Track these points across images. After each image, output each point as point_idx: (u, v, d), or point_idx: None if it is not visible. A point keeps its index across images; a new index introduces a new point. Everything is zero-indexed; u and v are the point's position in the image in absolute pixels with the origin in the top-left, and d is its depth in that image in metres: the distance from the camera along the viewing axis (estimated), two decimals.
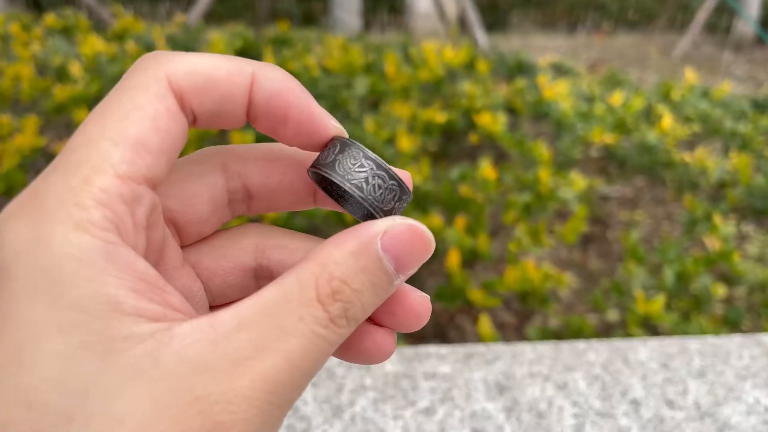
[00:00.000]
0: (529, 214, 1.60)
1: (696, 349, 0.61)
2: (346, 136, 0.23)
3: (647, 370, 0.58)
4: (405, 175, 0.24)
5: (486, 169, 1.62)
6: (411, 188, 0.24)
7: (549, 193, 1.62)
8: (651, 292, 1.41)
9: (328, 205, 0.25)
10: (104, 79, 1.95)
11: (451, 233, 1.44)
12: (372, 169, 0.22)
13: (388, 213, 0.22)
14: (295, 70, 2.10)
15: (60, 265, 0.17)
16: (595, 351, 0.60)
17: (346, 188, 0.22)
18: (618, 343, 0.62)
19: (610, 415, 0.53)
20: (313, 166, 0.22)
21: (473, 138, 1.96)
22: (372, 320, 0.24)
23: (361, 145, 0.22)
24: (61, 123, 2.01)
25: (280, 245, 0.24)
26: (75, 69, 1.93)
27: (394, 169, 0.23)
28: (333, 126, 0.23)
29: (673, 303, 1.38)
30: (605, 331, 1.41)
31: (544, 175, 1.65)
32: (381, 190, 0.22)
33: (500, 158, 1.99)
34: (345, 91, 1.98)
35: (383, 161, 0.22)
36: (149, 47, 2.23)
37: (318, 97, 1.97)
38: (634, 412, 0.53)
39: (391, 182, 0.22)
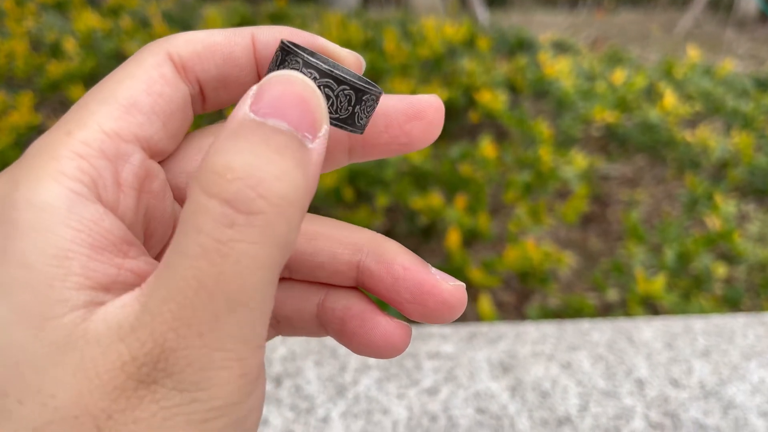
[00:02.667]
0: (530, 193, 1.59)
1: (700, 328, 0.61)
2: (357, 62, 0.22)
3: (652, 349, 0.58)
4: (353, 63, 0.22)
5: (486, 147, 1.61)
6: (363, 71, 0.22)
7: (549, 172, 1.61)
8: (651, 272, 1.41)
9: None
10: (99, 56, 1.93)
11: (451, 212, 1.43)
12: (315, 78, 0.19)
13: (350, 121, 0.20)
14: None
15: (18, 216, 0.16)
16: (599, 330, 0.60)
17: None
18: (622, 323, 0.61)
19: (614, 395, 0.53)
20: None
21: (473, 116, 1.94)
22: (400, 310, 0.23)
23: (303, 50, 0.19)
24: (56, 100, 1.99)
25: (304, 232, 0.24)
26: (69, 45, 1.90)
27: (341, 67, 0.21)
28: (345, 55, 0.22)
29: (673, 282, 1.37)
30: (605, 311, 1.41)
31: (545, 154, 1.64)
32: (331, 100, 0.20)
33: (501, 136, 1.97)
34: None
35: (328, 64, 0.20)
36: (144, 23, 2.20)
37: None
38: (638, 392, 0.53)
39: (341, 87, 0.20)
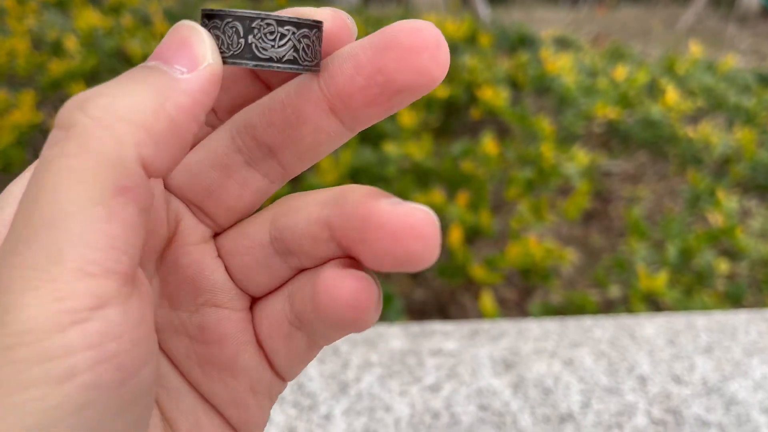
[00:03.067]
0: (531, 190, 1.59)
1: (703, 325, 0.61)
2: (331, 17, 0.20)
3: (654, 346, 0.58)
4: (302, 12, 0.21)
5: (488, 144, 1.61)
6: (347, 30, 0.20)
7: (551, 169, 1.61)
8: (653, 268, 1.41)
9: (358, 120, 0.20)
10: (100, 54, 1.93)
11: (453, 209, 1.43)
12: (293, 32, 0.19)
13: (318, 61, 0.19)
14: None
15: None
16: (601, 327, 0.60)
17: (283, 69, 0.19)
18: (624, 320, 0.61)
19: (616, 391, 0.53)
20: (224, 59, 0.19)
21: (475, 113, 1.94)
22: (362, 262, 0.19)
23: (261, 12, 0.19)
24: (58, 98, 1.99)
25: (290, 208, 0.21)
26: (71, 43, 1.90)
27: (292, 12, 0.20)
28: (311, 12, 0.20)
29: (675, 278, 1.37)
30: (607, 307, 1.41)
31: (547, 151, 1.63)
32: (311, 47, 0.19)
33: (502, 133, 1.97)
34: None
35: (278, 14, 0.19)
36: (145, 20, 2.20)
37: None
38: (640, 388, 0.53)
39: (313, 32, 0.19)
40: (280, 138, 0.21)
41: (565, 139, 1.88)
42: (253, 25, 0.18)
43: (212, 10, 0.19)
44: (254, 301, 0.22)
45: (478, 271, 1.33)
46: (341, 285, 0.18)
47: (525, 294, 1.49)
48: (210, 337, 0.22)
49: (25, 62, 1.81)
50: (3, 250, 0.16)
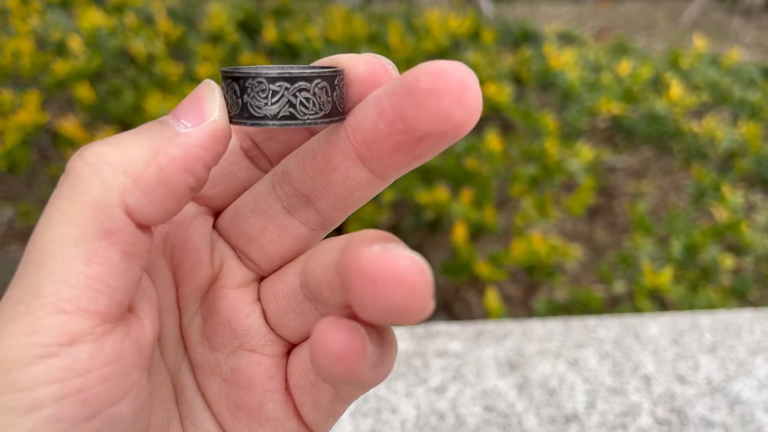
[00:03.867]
0: (536, 186, 1.59)
1: (707, 324, 0.61)
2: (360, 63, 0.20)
3: (658, 346, 0.58)
4: (338, 59, 0.20)
5: (492, 141, 1.61)
6: (381, 71, 0.20)
7: (555, 165, 1.61)
8: (658, 264, 1.41)
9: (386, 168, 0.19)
10: (105, 53, 1.93)
11: (457, 206, 1.43)
12: (286, 88, 0.18)
13: (333, 111, 0.19)
14: (297, 42, 2.07)
15: None
16: (605, 327, 0.60)
17: (280, 126, 0.19)
18: (628, 319, 0.61)
19: (621, 391, 0.53)
20: (231, 120, 0.19)
21: None
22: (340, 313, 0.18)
23: (252, 70, 0.19)
24: (62, 98, 2.00)
25: (316, 252, 0.20)
26: (75, 43, 1.91)
27: (326, 62, 0.20)
28: (348, 60, 0.20)
29: (680, 274, 1.37)
30: (612, 303, 1.41)
31: (551, 147, 1.63)
32: (311, 100, 0.19)
33: (506, 129, 1.97)
34: None
35: (290, 68, 0.19)
36: (149, 19, 2.20)
37: None
38: (645, 388, 0.53)
39: (315, 83, 0.19)
40: (313, 186, 0.21)
41: (569, 135, 1.88)
42: (246, 84, 0.18)
43: (224, 69, 0.19)
44: (292, 347, 0.23)
45: (482, 268, 1.33)
46: (329, 336, 0.17)
47: (530, 291, 1.49)
48: (240, 381, 0.22)
49: (30, 62, 1.82)
50: (17, 271, 0.17)
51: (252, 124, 0.19)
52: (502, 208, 1.69)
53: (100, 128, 1.69)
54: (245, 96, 0.19)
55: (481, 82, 1.94)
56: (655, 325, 0.61)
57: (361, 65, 0.20)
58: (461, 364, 0.55)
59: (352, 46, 2.04)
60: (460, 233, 1.36)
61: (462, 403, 0.51)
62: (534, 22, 2.72)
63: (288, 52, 2.11)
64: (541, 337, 0.59)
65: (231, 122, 0.19)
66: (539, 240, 1.36)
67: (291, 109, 0.18)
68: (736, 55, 2.38)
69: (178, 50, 2.06)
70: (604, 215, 1.75)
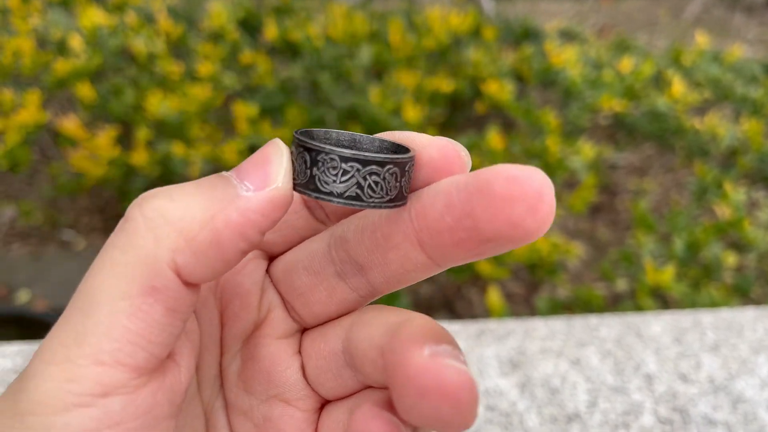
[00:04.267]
0: None
1: (709, 322, 0.61)
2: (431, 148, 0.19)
3: (660, 344, 0.58)
4: (410, 139, 0.20)
5: (493, 138, 1.60)
6: (458, 162, 0.19)
7: (557, 163, 1.61)
8: (660, 261, 1.40)
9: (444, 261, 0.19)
10: (105, 53, 1.93)
11: None
12: (358, 169, 0.18)
13: (399, 196, 0.19)
14: (297, 41, 2.06)
15: None
16: (607, 326, 0.60)
17: (344, 204, 0.18)
18: (630, 318, 0.61)
19: (623, 390, 0.53)
20: (294, 185, 0.19)
21: (480, 107, 1.93)
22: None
23: (327, 146, 0.18)
24: (63, 97, 2.00)
25: (363, 321, 0.20)
26: (75, 42, 1.91)
27: (398, 138, 0.20)
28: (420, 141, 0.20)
29: (683, 272, 1.37)
30: (614, 301, 1.40)
31: (552, 144, 1.63)
32: (380, 185, 0.18)
33: (507, 127, 1.97)
34: (349, 61, 1.95)
35: (367, 149, 0.19)
36: (149, 18, 2.20)
37: (322, 67, 1.94)
38: (647, 387, 0.53)
39: (386, 168, 0.18)
40: (369, 258, 0.20)
41: (571, 133, 1.87)
42: (318, 158, 0.18)
43: (298, 136, 0.19)
44: (326, 402, 0.23)
45: (484, 266, 1.33)
46: (368, 427, 0.18)
47: (532, 289, 1.49)
48: (270, 430, 0.22)
49: (30, 62, 1.82)
50: (65, 310, 0.18)
51: (316, 197, 0.19)
52: None
53: (101, 127, 1.69)
54: (315, 168, 0.18)
55: (483, 80, 1.93)
56: (657, 324, 0.60)
57: (434, 150, 0.19)
58: None
59: (353, 44, 2.04)
60: None
61: None
62: (535, 19, 2.71)
63: (289, 50, 2.11)
64: (542, 335, 0.59)
65: (294, 189, 0.19)
66: (541, 238, 1.35)
67: (358, 191, 0.18)
68: (738, 51, 2.38)
69: (178, 49, 2.06)
70: (606, 213, 1.75)
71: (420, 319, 0.18)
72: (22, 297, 1.45)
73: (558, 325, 0.60)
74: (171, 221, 0.17)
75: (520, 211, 0.16)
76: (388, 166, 0.18)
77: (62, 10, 2.24)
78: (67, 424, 0.16)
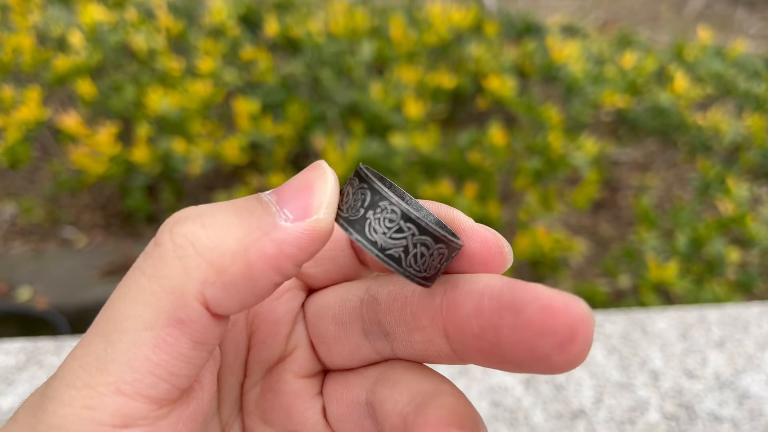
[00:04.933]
0: (540, 180, 1.58)
1: (715, 318, 0.61)
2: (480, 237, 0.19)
3: (666, 340, 0.57)
4: (455, 219, 0.19)
5: (495, 134, 1.60)
6: (504, 259, 0.18)
7: (559, 159, 1.60)
8: (663, 257, 1.40)
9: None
10: (105, 49, 1.92)
11: (461, 201, 1.43)
12: (414, 234, 0.17)
13: (432, 277, 0.18)
14: (298, 36, 2.06)
15: None
16: (612, 322, 0.59)
17: (380, 259, 0.17)
18: (636, 314, 0.61)
19: (628, 387, 0.53)
20: (338, 216, 0.18)
21: (482, 103, 1.93)
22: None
23: (395, 196, 0.17)
24: (64, 94, 1.99)
25: (390, 379, 0.20)
26: (75, 39, 1.90)
27: (443, 214, 0.19)
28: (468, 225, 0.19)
29: (686, 268, 1.37)
30: (617, 298, 1.40)
31: (555, 140, 1.62)
32: (424, 258, 0.17)
33: (509, 123, 1.96)
34: (350, 57, 1.94)
35: (426, 218, 0.18)
36: (149, 14, 2.19)
37: (323, 63, 1.93)
38: (652, 383, 0.53)
39: (438, 246, 0.17)
40: (395, 330, 0.20)
41: (573, 128, 1.87)
42: (380, 203, 0.17)
43: (361, 168, 0.18)
44: None
45: None
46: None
47: None
48: None
49: (31, 58, 1.82)
50: (88, 331, 0.17)
51: (356, 239, 0.17)
52: (506, 202, 1.68)
53: (101, 124, 1.69)
54: (371, 212, 0.17)
55: (484, 76, 1.93)
56: (663, 320, 0.60)
57: (476, 241, 0.19)
58: None
59: (353, 40, 2.03)
60: None
61: (469, 399, 0.51)
62: (537, 14, 2.70)
63: (290, 46, 2.11)
64: None
65: (337, 220, 0.18)
66: (543, 234, 1.35)
67: (402, 254, 0.17)
68: (741, 46, 2.37)
69: (179, 45, 2.05)
70: (609, 209, 1.74)
71: (448, 397, 0.18)
72: (23, 294, 1.45)
73: None
74: (201, 251, 0.16)
75: (548, 345, 0.15)
76: (440, 245, 0.18)
77: (62, 6, 2.23)
78: None
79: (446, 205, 0.20)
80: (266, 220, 0.17)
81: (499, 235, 0.19)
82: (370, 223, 0.17)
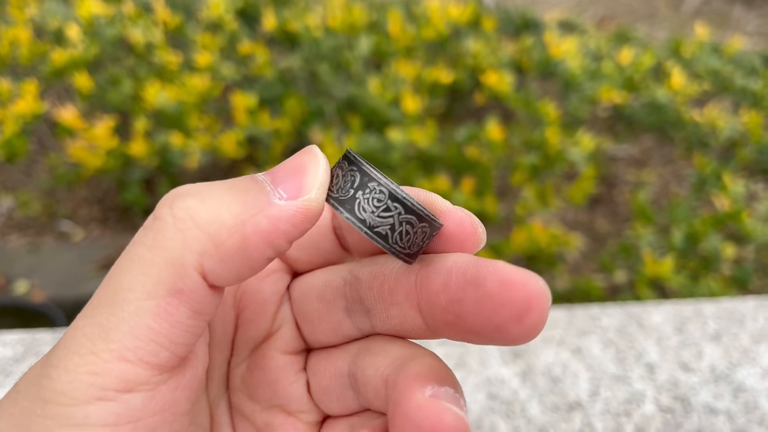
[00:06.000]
0: (537, 175, 1.59)
1: (710, 312, 0.61)
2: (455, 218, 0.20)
3: (662, 334, 0.58)
4: (434, 202, 0.20)
5: (493, 129, 1.60)
6: (477, 238, 0.20)
7: (557, 154, 1.60)
8: (659, 253, 1.40)
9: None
10: (103, 42, 1.92)
11: (458, 196, 1.43)
12: (400, 213, 0.18)
13: (414, 255, 0.19)
14: (296, 31, 2.05)
15: None
16: (608, 315, 0.60)
17: (368, 236, 0.18)
18: (632, 308, 0.61)
19: (624, 379, 0.53)
20: (329, 196, 0.19)
21: (479, 98, 1.93)
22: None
23: (383, 177, 0.18)
24: (61, 87, 1.99)
25: (371, 349, 0.21)
26: (72, 32, 1.89)
27: (423, 198, 0.20)
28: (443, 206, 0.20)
29: (681, 263, 1.37)
30: (613, 293, 1.41)
31: (552, 136, 1.62)
32: (409, 236, 0.19)
33: (507, 118, 1.96)
34: (348, 52, 1.94)
35: (412, 198, 0.19)
36: (146, 7, 2.19)
37: (321, 58, 1.93)
38: (648, 376, 0.53)
39: (421, 225, 0.19)
40: (374, 307, 0.21)
41: (571, 124, 1.87)
42: (369, 184, 0.18)
43: (350, 152, 0.19)
44: (327, 418, 0.23)
45: (483, 257, 1.33)
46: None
47: None
48: None
49: (28, 51, 1.81)
50: (89, 302, 0.18)
51: (347, 218, 0.18)
52: (503, 197, 1.69)
53: (98, 117, 1.69)
54: (360, 192, 0.18)
55: (482, 71, 1.93)
56: (659, 314, 0.60)
57: (451, 221, 0.20)
58: (464, 352, 0.55)
59: (351, 34, 2.02)
60: None
61: (465, 391, 0.51)
62: (535, 10, 2.70)
63: (287, 40, 2.10)
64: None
65: (328, 200, 0.19)
66: (540, 229, 1.35)
67: (389, 231, 0.18)
68: (738, 43, 2.37)
69: (176, 39, 2.04)
70: (605, 204, 1.75)
71: (427, 358, 0.19)
72: (20, 288, 1.45)
73: (559, 314, 0.60)
74: (200, 224, 0.17)
75: (506, 316, 0.16)
76: (423, 223, 0.19)
77: None
78: (86, 417, 0.16)
79: (425, 190, 0.21)
80: (262, 198, 0.18)
81: (474, 217, 0.20)
82: (359, 202, 0.18)
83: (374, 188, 0.18)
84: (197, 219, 0.17)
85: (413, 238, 0.19)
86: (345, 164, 0.19)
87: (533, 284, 0.16)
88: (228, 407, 0.23)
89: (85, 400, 0.16)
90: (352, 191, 0.18)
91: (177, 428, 0.19)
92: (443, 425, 0.16)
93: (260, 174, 0.19)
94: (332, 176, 0.19)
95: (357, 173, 0.18)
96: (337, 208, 0.19)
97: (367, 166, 0.19)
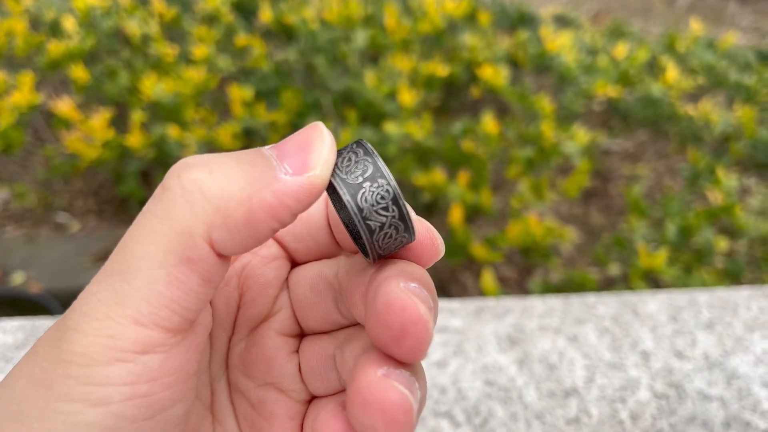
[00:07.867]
0: (532, 169, 1.60)
1: (705, 301, 0.62)
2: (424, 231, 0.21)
3: (656, 322, 0.59)
4: (420, 224, 0.21)
5: (488, 123, 1.61)
6: (436, 251, 0.21)
7: (551, 148, 1.61)
8: (653, 246, 1.42)
9: None
10: (99, 34, 1.91)
11: (454, 188, 1.43)
12: (393, 217, 0.19)
13: (382, 257, 0.20)
14: (293, 23, 2.05)
15: None
16: (604, 304, 0.61)
17: (358, 224, 0.19)
18: (627, 296, 0.62)
19: (620, 366, 0.54)
20: (335, 175, 0.20)
21: (475, 91, 1.93)
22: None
23: (392, 179, 0.19)
24: (57, 79, 1.98)
25: (355, 337, 0.23)
26: (69, 24, 1.88)
27: (412, 213, 0.21)
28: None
29: (675, 256, 1.38)
30: (607, 285, 1.42)
31: (547, 129, 1.63)
32: (389, 240, 0.20)
33: (502, 112, 1.97)
34: (344, 45, 1.94)
35: (409, 208, 0.20)
36: (143, 0, 2.18)
37: (317, 51, 1.93)
38: (643, 363, 0.54)
39: (403, 235, 0.20)
40: (346, 299, 0.23)
41: (566, 118, 1.88)
42: (379, 180, 0.19)
43: (366, 143, 0.20)
44: (314, 397, 0.25)
45: (478, 250, 1.34)
46: (327, 423, 0.21)
47: (525, 272, 1.50)
48: (264, 412, 0.24)
49: (24, 43, 1.80)
50: (102, 269, 0.19)
51: (346, 201, 0.19)
52: (498, 191, 1.70)
53: (95, 109, 1.68)
54: (367, 183, 0.19)
55: (478, 65, 1.93)
56: (654, 302, 0.61)
57: (421, 231, 0.21)
58: (462, 340, 0.56)
59: (348, 28, 2.02)
60: (456, 215, 1.37)
61: (463, 378, 0.52)
62: (530, 4, 2.71)
63: (284, 33, 2.10)
64: (541, 313, 0.60)
65: (333, 178, 0.19)
66: (535, 222, 1.36)
67: (377, 228, 0.19)
68: (732, 39, 2.38)
69: (172, 31, 2.04)
70: (600, 198, 1.76)
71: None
72: (17, 279, 1.45)
73: (555, 303, 0.61)
74: (208, 196, 0.18)
75: (387, 337, 0.18)
76: (405, 234, 0.20)
77: None
78: (107, 377, 0.17)
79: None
80: (268, 173, 0.18)
81: (433, 229, 0.21)
82: (363, 192, 0.19)
83: (382, 185, 0.19)
84: (205, 191, 0.18)
85: (391, 243, 0.20)
86: (360, 152, 0.20)
87: (411, 310, 0.18)
88: (227, 384, 0.25)
89: (105, 361, 0.17)
90: (360, 179, 0.19)
91: (188, 387, 0.20)
92: (388, 402, 0.17)
93: (267, 147, 0.19)
94: (342, 158, 0.20)
95: (370, 165, 0.19)
96: (340, 188, 0.19)
97: (382, 162, 0.19)
